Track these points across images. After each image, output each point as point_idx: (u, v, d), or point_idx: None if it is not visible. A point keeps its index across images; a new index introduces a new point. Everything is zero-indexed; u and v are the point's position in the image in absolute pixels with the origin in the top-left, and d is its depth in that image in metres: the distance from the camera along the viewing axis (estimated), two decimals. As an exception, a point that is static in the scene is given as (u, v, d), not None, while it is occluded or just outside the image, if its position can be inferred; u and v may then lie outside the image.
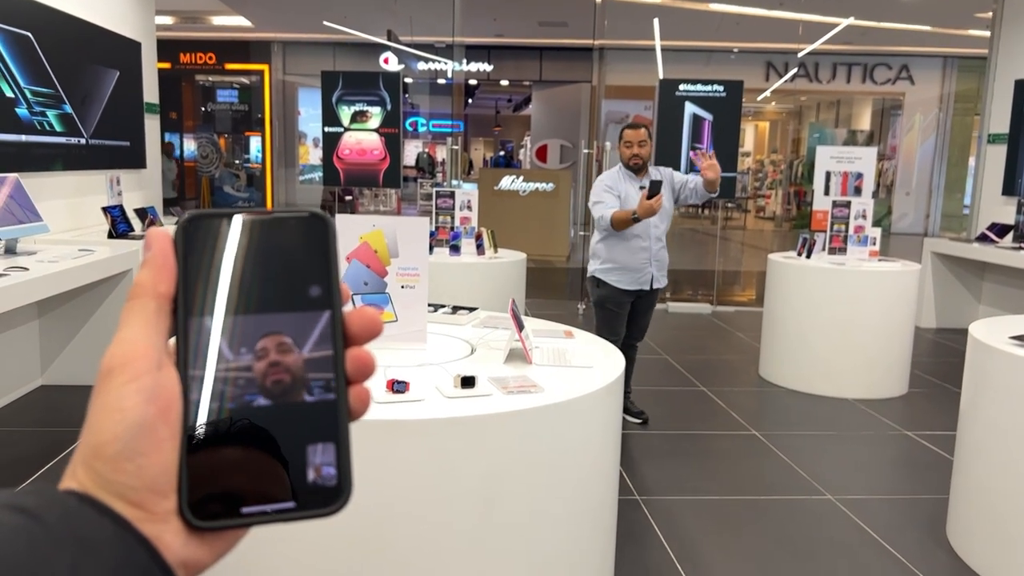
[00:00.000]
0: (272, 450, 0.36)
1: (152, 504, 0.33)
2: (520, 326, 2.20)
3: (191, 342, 0.36)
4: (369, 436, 1.71)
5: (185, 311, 0.36)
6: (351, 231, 2.31)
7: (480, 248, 4.76)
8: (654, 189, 3.63)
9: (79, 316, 4.29)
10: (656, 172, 3.99)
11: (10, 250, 3.71)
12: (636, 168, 3.87)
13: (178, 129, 13.97)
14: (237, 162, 14.39)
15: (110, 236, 4.56)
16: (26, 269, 3.37)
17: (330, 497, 0.36)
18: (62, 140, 4.74)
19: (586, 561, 2.04)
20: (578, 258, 9.87)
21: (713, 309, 7.38)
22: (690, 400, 4.54)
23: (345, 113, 7.47)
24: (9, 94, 4.17)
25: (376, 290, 2.37)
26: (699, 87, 7.14)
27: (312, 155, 14.74)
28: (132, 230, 4.75)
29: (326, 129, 7.53)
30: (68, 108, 4.77)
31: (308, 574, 1.75)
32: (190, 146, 14.11)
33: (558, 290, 8.26)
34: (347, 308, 0.39)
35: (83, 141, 4.98)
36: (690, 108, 7.16)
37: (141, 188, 5.97)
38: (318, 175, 14.35)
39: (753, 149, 18.23)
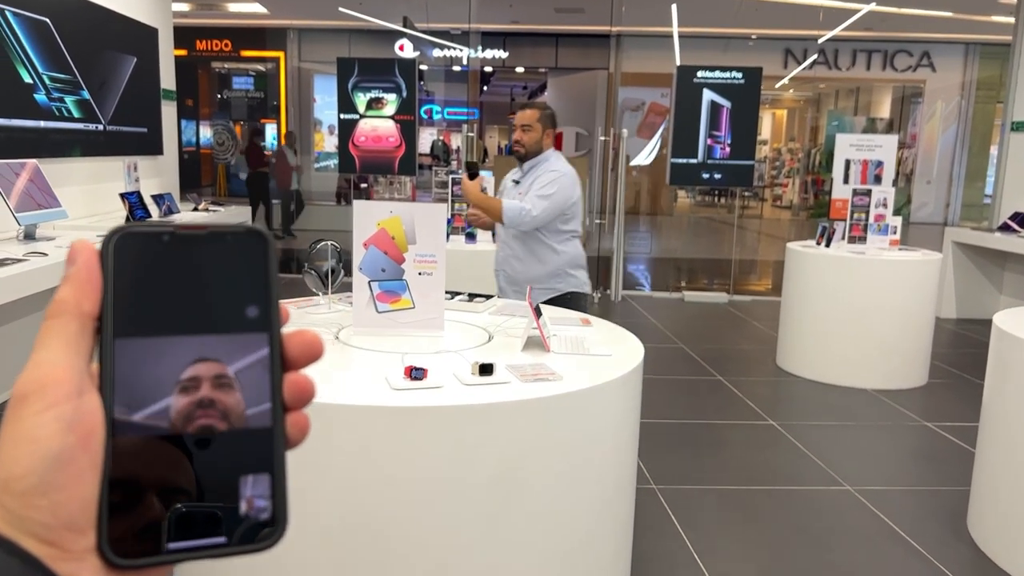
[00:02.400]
0: (202, 481, 0.34)
1: (68, 542, 0.31)
2: (538, 314, 2.18)
3: (116, 365, 0.33)
4: (388, 422, 1.71)
5: (110, 331, 0.33)
6: (369, 217, 2.30)
7: (496, 236, 4.74)
8: (469, 171, 3.19)
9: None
10: (538, 168, 3.20)
11: (29, 235, 3.73)
12: (518, 157, 3.27)
13: (194, 116, 14.02)
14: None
15: (127, 222, 4.58)
16: (45, 255, 3.39)
17: (263, 531, 0.34)
18: (80, 126, 4.75)
19: (603, 549, 2.03)
20: (593, 247, 9.83)
21: (730, 298, 7.33)
22: (706, 389, 4.51)
23: (361, 100, 7.46)
24: (27, 80, 4.18)
25: (393, 277, 2.36)
26: (717, 74, 7.07)
27: (327, 142, 14.74)
28: (149, 216, 4.77)
29: (342, 116, 7.52)
30: (86, 94, 4.79)
31: (321, 560, 1.75)
32: (206, 133, 14.16)
33: (573, 278, 8.22)
34: (286, 329, 0.37)
35: (101, 127, 4.99)
36: (708, 95, 7.10)
37: (158, 175, 5.99)
38: (333, 162, 14.36)
39: (770, 137, 18.08)
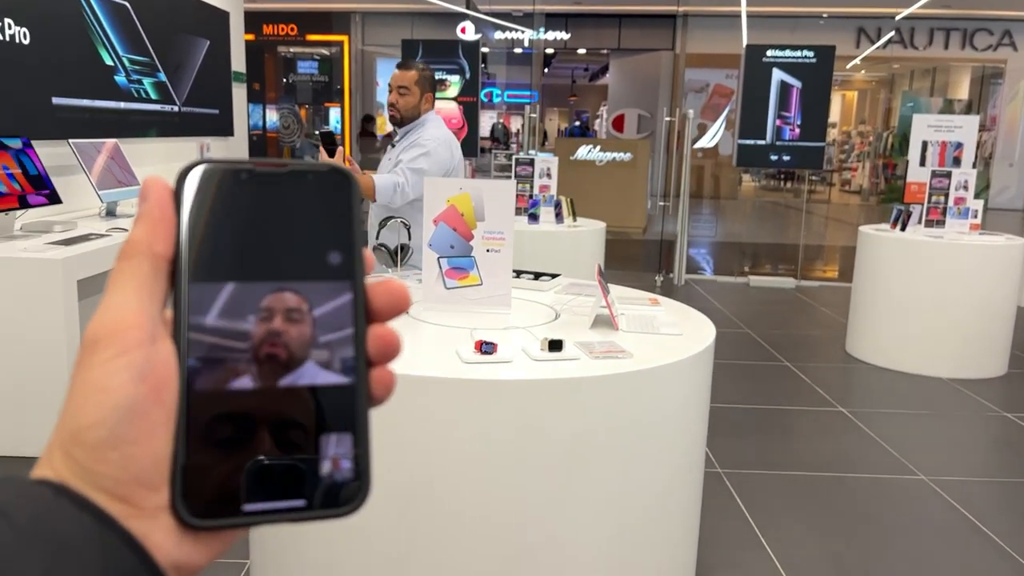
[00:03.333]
0: (280, 439, 0.32)
1: (140, 499, 0.29)
2: (607, 292, 2.17)
3: (191, 311, 0.31)
4: (458, 395, 1.72)
5: (185, 275, 0.31)
6: (438, 194, 2.31)
7: (559, 217, 4.73)
8: (325, 143, 2.88)
9: (172, 278, 4.46)
10: (413, 133, 3.04)
11: (111, 212, 3.87)
12: (393, 121, 3.11)
13: (260, 100, 14.31)
14: (317, 132, 14.67)
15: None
16: (126, 231, 3.51)
17: (346, 494, 0.32)
18: (157, 107, 4.90)
19: (670, 529, 2.01)
20: (656, 230, 9.71)
21: (797, 283, 7.17)
22: (773, 375, 4.43)
23: (424, 82, 7.50)
24: (108, 62, 4.33)
25: (462, 253, 2.37)
26: (788, 53, 6.88)
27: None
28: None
29: (405, 98, 7.57)
30: (162, 76, 4.93)
31: (387, 530, 1.78)
32: (272, 117, 14.44)
33: (634, 262, 8.15)
34: (371, 280, 0.34)
35: (176, 108, 5.14)
36: (778, 75, 6.91)
37: (228, 155, 6.15)
38: (395, 145, 14.49)
39: (840, 120, 17.55)
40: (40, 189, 3.39)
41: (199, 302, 0.31)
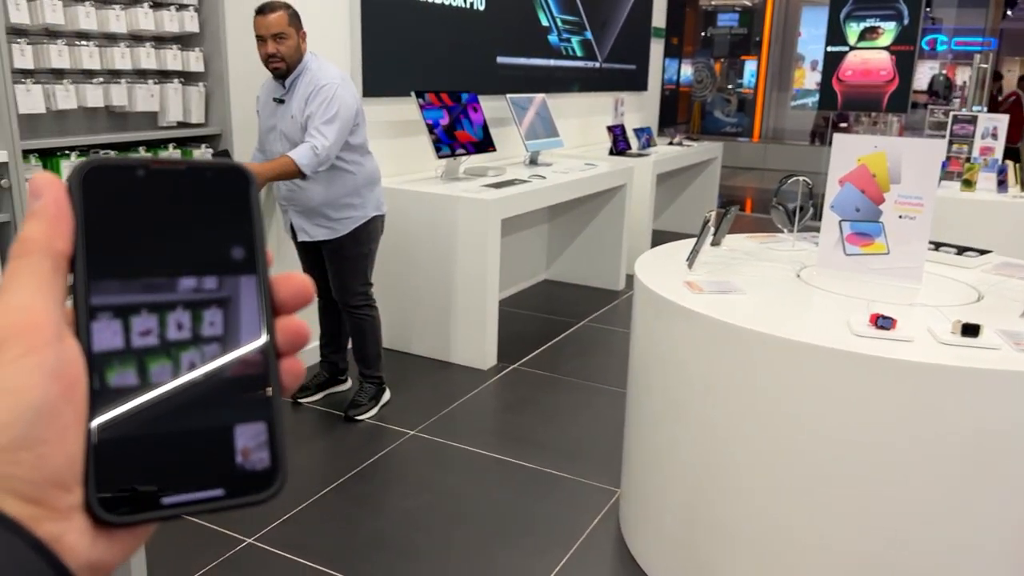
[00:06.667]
0: (194, 431, 0.31)
1: (54, 499, 0.28)
2: (1050, 275, 1.83)
3: (93, 309, 0.31)
4: (842, 368, 1.62)
5: (84, 272, 0.31)
6: (849, 152, 2.15)
7: (1002, 185, 4.04)
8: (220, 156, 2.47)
9: (579, 222, 4.84)
10: (302, 81, 2.69)
11: (533, 160, 4.32)
12: (278, 74, 2.69)
13: (677, 54, 14.49)
14: (729, 87, 14.42)
15: (611, 153, 5.00)
16: (544, 178, 3.90)
17: (262, 481, 0.32)
18: (580, 64, 5.28)
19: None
20: None
21: None
22: None
23: (853, 31, 6.90)
24: (544, 23, 4.77)
25: (868, 218, 2.19)
26: None
27: (808, 79, 14.02)
28: (629, 148, 5.13)
29: (829, 49, 7.06)
30: (588, 34, 5.28)
31: (747, 485, 1.76)
32: (686, 71, 14.55)
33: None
34: (273, 272, 0.34)
35: (596, 65, 5.48)
36: None
37: (641, 110, 6.39)
38: (811, 100, 13.63)
39: None
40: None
41: (101, 299, 0.31)
